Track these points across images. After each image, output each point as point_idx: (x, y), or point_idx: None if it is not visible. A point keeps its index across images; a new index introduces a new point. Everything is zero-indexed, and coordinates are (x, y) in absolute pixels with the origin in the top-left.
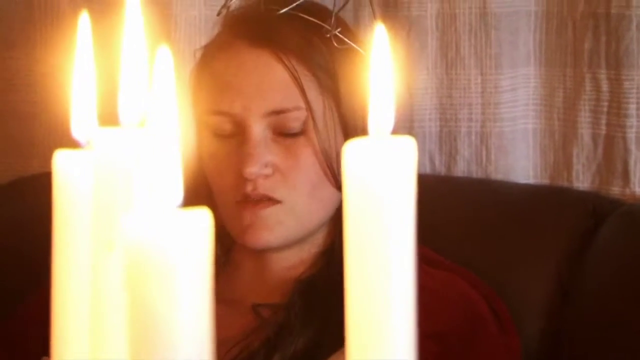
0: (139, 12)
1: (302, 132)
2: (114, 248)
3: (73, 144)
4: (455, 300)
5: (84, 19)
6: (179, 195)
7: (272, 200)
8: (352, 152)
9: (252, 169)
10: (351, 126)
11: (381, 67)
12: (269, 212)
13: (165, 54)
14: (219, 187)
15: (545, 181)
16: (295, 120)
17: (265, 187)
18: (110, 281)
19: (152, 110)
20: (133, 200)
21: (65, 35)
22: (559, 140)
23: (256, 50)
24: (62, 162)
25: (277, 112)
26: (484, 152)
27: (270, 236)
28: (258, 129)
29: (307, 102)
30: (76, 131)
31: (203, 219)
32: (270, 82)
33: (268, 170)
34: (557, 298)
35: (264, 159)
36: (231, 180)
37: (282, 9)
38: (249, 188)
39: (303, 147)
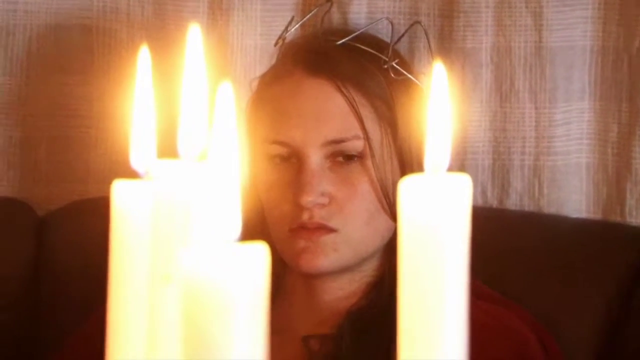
0: (201, 46)
1: (359, 161)
2: (172, 280)
3: (128, 169)
4: (506, 335)
5: (144, 52)
6: (238, 229)
7: (328, 229)
8: (408, 188)
9: (308, 198)
10: (407, 156)
11: (439, 105)
12: (325, 240)
13: (227, 89)
14: (274, 215)
15: (598, 216)
16: (353, 150)
17: (321, 216)
18: (167, 313)
19: (213, 144)
20: (191, 232)
21: (122, 62)
22: (613, 175)
23: (315, 80)
24: (120, 192)
25: (336, 142)
26: (536, 186)
27: (325, 261)
28: (315, 158)
29: (365, 131)
30: (135, 161)
31: (260, 253)
32: (329, 111)
33: (324, 200)
34: (607, 334)
35: (320, 188)
36: (287, 208)
37: (340, 39)
38: (305, 217)
39: (360, 176)
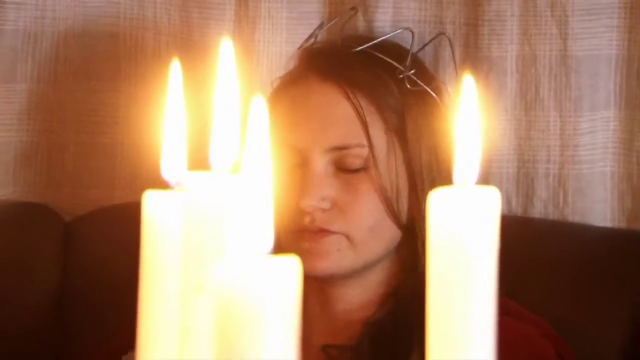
0: (233, 59)
1: (363, 169)
2: (203, 291)
3: (154, 175)
4: (524, 349)
5: (175, 64)
6: (270, 242)
7: (330, 232)
8: (437, 201)
9: (309, 202)
10: (416, 167)
11: (468, 118)
12: (328, 240)
13: (260, 102)
14: (279, 217)
15: (622, 225)
16: (357, 157)
17: (322, 220)
18: (199, 324)
19: (246, 157)
20: (223, 244)
21: (149, 69)
22: (637, 184)
23: (325, 85)
24: (151, 203)
25: (340, 148)
26: (561, 194)
27: (328, 262)
28: (320, 163)
29: (369, 139)
30: (166, 172)
31: (292, 266)
32: (335, 117)
33: (326, 204)
34: (632, 343)
35: (322, 193)
36: (290, 211)
37: (358, 46)
38: (307, 220)
39: (363, 183)
